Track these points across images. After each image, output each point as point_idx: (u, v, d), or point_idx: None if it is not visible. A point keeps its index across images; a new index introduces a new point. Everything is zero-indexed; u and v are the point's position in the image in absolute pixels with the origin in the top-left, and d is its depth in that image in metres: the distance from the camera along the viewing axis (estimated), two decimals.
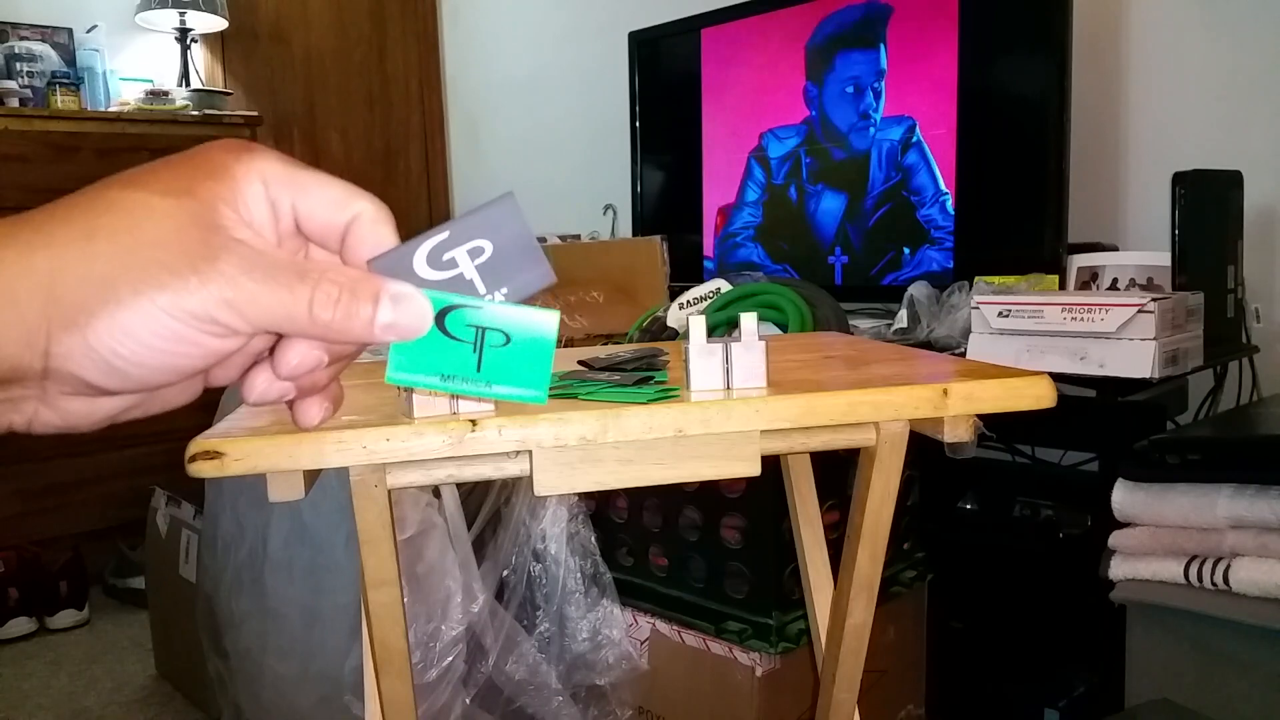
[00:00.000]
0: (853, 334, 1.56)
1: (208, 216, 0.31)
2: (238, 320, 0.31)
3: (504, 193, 0.37)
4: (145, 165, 0.32)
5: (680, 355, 0.59)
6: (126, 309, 0.30)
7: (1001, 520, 1.50)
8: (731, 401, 0.53)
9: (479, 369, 0.37)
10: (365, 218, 0.35)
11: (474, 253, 0.36)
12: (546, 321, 0.38)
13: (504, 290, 0.37)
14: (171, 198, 0.31)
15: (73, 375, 0.31)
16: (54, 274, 0.29)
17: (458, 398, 0.52)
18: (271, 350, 0.35)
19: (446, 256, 0.36)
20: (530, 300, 0.37)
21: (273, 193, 0.34)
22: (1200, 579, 1.09)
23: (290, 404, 0.38)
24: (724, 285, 1.63)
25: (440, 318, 0.36)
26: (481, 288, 0.36)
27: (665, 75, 2.32)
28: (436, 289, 0.36)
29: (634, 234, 2.44)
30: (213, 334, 0.31)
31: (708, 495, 1.37)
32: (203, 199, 0.31)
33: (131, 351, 0.30)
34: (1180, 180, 1.36)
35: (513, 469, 0.56)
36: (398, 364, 0.36)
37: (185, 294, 0.30)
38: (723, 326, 1.48)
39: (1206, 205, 1.41)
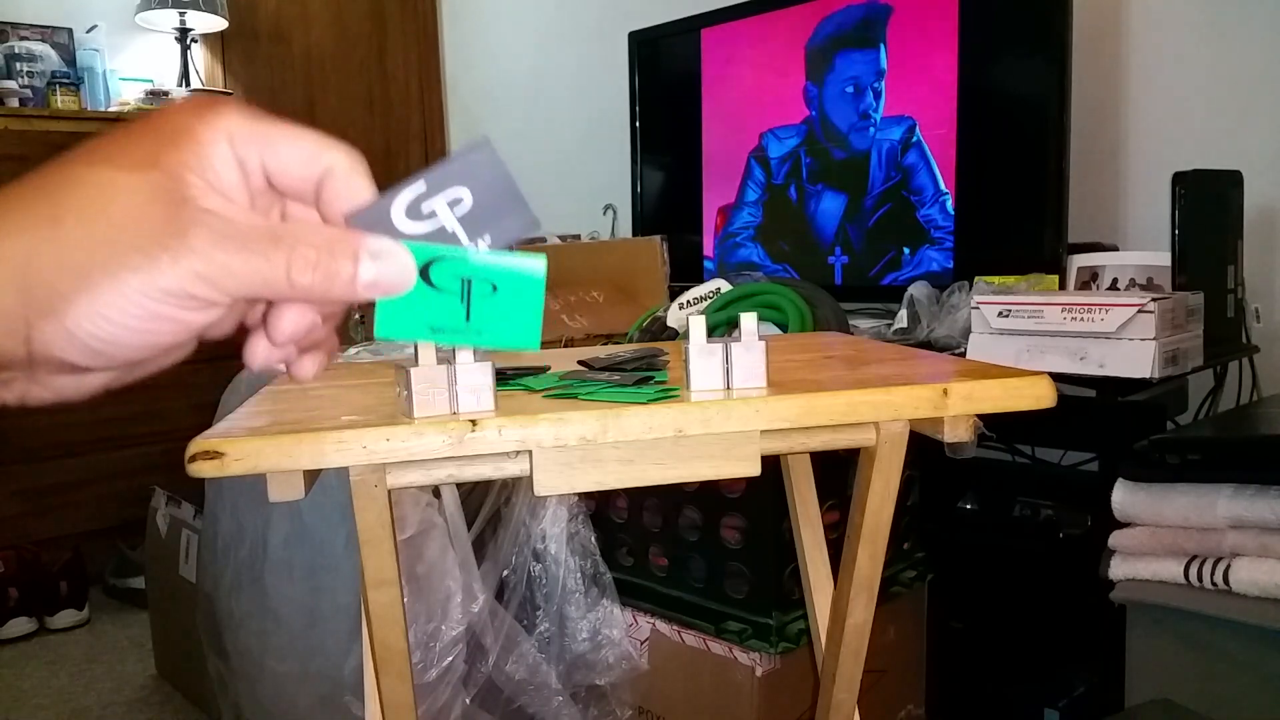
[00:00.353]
0: (853, 334, 1.56)
1: (174, 189, 0.31)
2: (214, 293, 0.31)
3: (480, 138, 0.36)
4: (108, 135, 0.32)
5: (680, 355, 0.59)
6: (102, 292, 0.30)
7: (1001, 520, 1.50)
8: (731, 401, 0.53)
9: (468, 319, 0.37)
10: (338, 170, 0.34)
11: (453, 203, 0.35)
12: (533, 266, 0.37)
13: (487, 239, 0.36)
14: (136, 172, 0.31)
15: (56, 359, 0.31)
16: (26, 262, 0.29)
17: (458, 396, 0.52)
18: (265, 318, 0.35)
19: (425, 208, 0.35)
20: (515, 247, 0.37)
21: (240, 151, 0.33)
22: (1200, 579, 1.09)
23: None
24: (724, 285, 1.63)
25: (425, 270, 0.35)
26: (464, 238, 0.36)
27: (665, 75, 2.32)
28: (418, 241, 0.35)
29: (634, 234, 2.44)
30: (190, 309, 0.31)
31: (708, 495, 1.37)
32: (168, 170, 0.31)
33: (110, 334, 0.30)
34: (1180, 180, 1.36)
35: (513, 469, 0.56)
36: (385, 320, 0.36)
37: (157, 273, 0.30)
38: (723, 326, 1.48)
39: (1206, 205, 1.41)
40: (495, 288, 0.37)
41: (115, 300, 0.30)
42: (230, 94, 2.94)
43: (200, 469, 0.48)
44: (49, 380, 0.33)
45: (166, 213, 0.30)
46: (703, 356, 0.56)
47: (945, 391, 0.55)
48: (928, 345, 1.49)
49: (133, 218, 0.30)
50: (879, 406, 0.55)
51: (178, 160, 0.31)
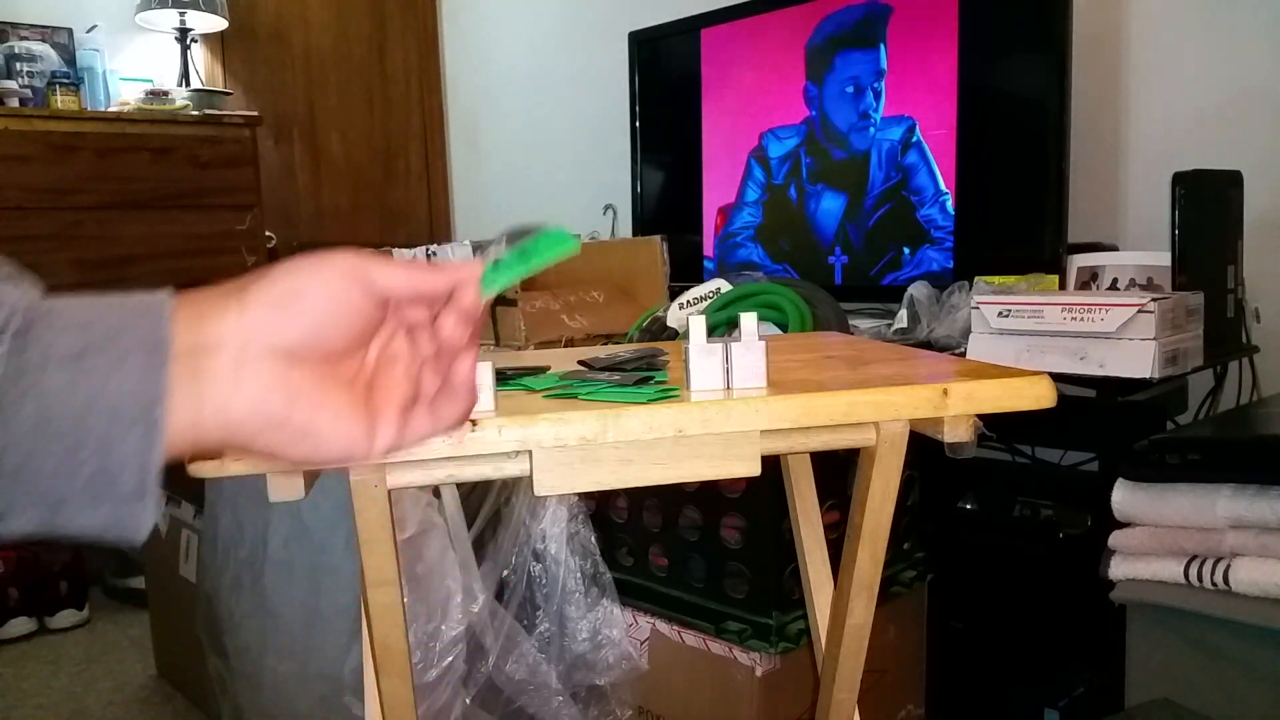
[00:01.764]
0: (853, 334, 1.56)
1: None
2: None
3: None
4: None
5: (680, 355, 0.59)
6: None
7: (1001, 520, 1.50)
8: (731, 401, 0.53)
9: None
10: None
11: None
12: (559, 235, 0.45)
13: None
14: None
15: None
16: None
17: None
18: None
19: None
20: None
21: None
22: (1200, 579, 1.09)
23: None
24: (724, 285, 1.63)
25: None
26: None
27: (665, 75, 2.32)
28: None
29: (634, 234, 2.44)
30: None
31: (708, 495, 1.37)
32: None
33: None
34: (1180, 180, 1.36)
35: (513, 469, 0.56)
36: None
37: None
38: (723, 326, 1.48)
39: (1206, 205, 1.41)
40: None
41: None
42: (230, 93, 2.94)
43: (200, 469, 0.48)
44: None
45: None
46: (703, 356, 0.56)
47: (945, 391, 0.55)
48: (928, 345, 1.49)
49: None
50: (879, 407, 0.55)
51: None
